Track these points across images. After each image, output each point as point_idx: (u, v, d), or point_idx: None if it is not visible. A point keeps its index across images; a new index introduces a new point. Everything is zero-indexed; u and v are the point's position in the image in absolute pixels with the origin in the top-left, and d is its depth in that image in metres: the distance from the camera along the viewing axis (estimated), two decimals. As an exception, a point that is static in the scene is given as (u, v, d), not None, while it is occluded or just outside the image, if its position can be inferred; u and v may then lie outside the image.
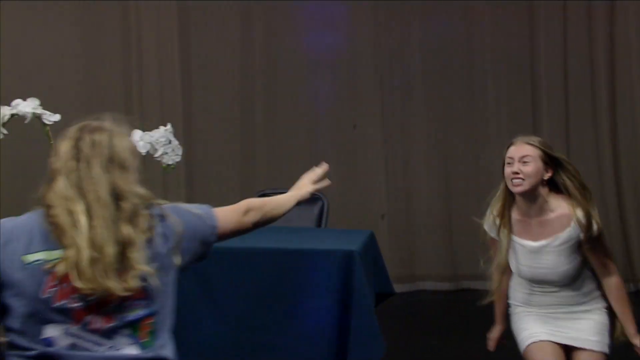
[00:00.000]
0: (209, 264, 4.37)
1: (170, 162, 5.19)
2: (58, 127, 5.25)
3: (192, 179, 7.54)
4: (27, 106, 5.09)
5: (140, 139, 5.09)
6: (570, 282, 3.82)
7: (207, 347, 4.48)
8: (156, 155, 5.14)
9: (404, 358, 5.63)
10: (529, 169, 3.58)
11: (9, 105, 5.06)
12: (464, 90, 7.87)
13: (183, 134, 7.29)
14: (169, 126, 5.20)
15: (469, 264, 7.64)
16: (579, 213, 3.61)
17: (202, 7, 7.59)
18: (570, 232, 3.69)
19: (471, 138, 7.88)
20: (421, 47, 7.78)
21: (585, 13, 7.78)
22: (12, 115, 5.06)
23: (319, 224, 5.76)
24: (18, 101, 5.09)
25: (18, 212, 6.61)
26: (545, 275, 3.82)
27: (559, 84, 7.84)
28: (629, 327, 3.83)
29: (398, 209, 7.72)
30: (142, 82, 7.54)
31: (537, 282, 3.91)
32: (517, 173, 3.63)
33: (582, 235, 3.68)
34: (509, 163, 3.75)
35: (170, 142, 5.16)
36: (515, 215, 3.93)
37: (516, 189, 3.66)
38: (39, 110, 5.13)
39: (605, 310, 3.91)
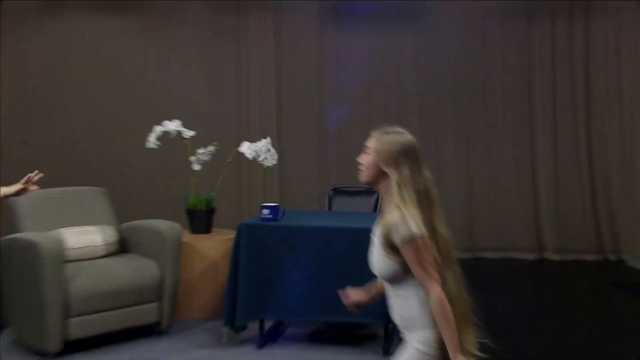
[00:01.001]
0: (298, 238, 4.54)
1: (269, 165, 5.37)
2: (192, 140, 5.50)
3: (284, 178, 7.57)
4: (172, 125, 5.42)
5: (248, 148, 5.28)
6: (394, 287, 2.65)
7: (296, 300, 4.57)
8: (259, 159, 5.32)
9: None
10: (364, 159, 2.68)
11: (159, 124, 5.41)
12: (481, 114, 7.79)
13: (277, 145, 7.35)
14: (268, 139, 5.38)
15: (484, 239, 7.71)
16: (389, 216, 2.57)
17: (290, 53, 7.62)
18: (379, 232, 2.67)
19: (486, 149, 7.76)
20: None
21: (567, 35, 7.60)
22: (163, 132, 5.39)
23: (375, 209, 5.82)
24: (166, 122, 5.41)
25: (165, 203, 6.61)
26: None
27: (550, 100, 7.66)
28: (451, 354, 2.47)
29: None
30: (249, 106, 7.57)
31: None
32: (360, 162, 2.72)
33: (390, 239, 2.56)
34: None
35: (269, 150, 5.34)
36: None
37: (359, 177, 2.75)
38: (181, 128, 5.43)
39: (418, 349, 2.52)
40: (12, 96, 7.19)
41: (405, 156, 2.65)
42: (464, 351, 2.51)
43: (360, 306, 3.13)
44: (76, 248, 4.85)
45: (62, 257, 4.47)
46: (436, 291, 2.44)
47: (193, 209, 5.56)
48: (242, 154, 5.44)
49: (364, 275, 4.38)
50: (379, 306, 4.38)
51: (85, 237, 4.95)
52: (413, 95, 7.74)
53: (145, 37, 7.43)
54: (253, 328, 4.77)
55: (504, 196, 7.69)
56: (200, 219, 5.56)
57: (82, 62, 7.32)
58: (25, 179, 4.79)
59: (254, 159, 5.42)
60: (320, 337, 4.92)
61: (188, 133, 5.51)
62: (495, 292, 5.72)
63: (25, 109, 7.24)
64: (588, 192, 7.63)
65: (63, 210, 5.10)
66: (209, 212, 5.59)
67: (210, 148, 5.59)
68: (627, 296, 6.21)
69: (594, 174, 7.63)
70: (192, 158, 5.57)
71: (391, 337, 4.55)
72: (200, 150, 5.56)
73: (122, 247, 5.22)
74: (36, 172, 4.83)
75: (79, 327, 4.54)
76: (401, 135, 2.67)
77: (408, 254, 2.47)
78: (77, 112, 7.30)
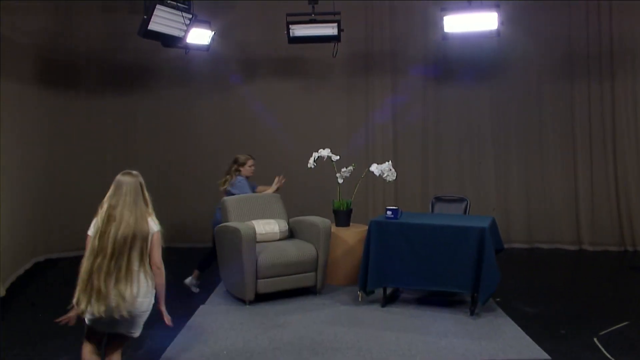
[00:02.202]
0: (411, 231, 4.54)
1: (390, 179, 5.41)
2: (337, 162, 5.58)
3: (397, 189, 7.42)
4: (324, 152, 5.48)
5: (376, 168, 5.34)
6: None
7: (409, 274, 4.57)
8: (383, 176, 5.37)
9: (507, 283, 5.41)
10: None
11: (316, 151, 5.46)
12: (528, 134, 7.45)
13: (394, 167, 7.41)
14: (389, 162, 5.42)
15: (538, 233, 7.38)
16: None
17: (403, 102, 7.52)
18: None
19: (541, 170, 7.37)
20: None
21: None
22: (318, 156, 5.48)
23: (465, 212, 5.71)
24: (320, 150, 5.48)
25: (319, 206, 6.67)
26: None
27: (587, 135, 7.25)
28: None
29: (500, 204, 7.42)
30: (375, 140, 7.51)
31: None
32: None
33: None
34: None
35: (390, 169, 5.38)
36: None
37: None
38: (329, 154, 5.51)
39: None
40: (221, 133, 7.50)
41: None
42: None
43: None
44: (263, 233, 4.99)
45: (254, 239, 4.63)
46: None
47: (338, 209, 5.65)
48: (370, 172, 5.50)
49: (457, 258, 4.40)
50: (468, 279, 4.37)
51: (268, 227, 5.06)
52: (489, 131, 7.49)
53: (306, 92, 7.55)
54: (379, 292, 4.80)
55: (554, 203, 7.37)
56: (343, 216, 5.63)
57: (265, 110, 7.50)
58: (276, 180, 5.12)
59: (379, 176, 5.48)
60: (425, 300, 4.90)
61: (334, 157, 5.63)
62: (547, 273, 5.47)
63: (230, 142, 7.44)
64: (614, 200, 7.19)
65: (255, 208, 5.26)
66: (349, 212, 5.65)
67: (350, 168, 5.69)
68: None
69: (619, 187, 7.19)
70: (337, 174, 5.69)
71: (476, 302, 4.46)
72: (343, 169, 5.67)
73: (291, 234, 5.33)
74: (282, 176, 5.18)
75: (264, 286, 4.70)
76: None
77: None
78: (265, 145, 7.38)
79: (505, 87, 7.44)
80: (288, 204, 5.66)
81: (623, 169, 7.21)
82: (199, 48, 6.31)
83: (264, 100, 7.50)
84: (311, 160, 5.52)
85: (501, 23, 5.75)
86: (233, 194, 5.28)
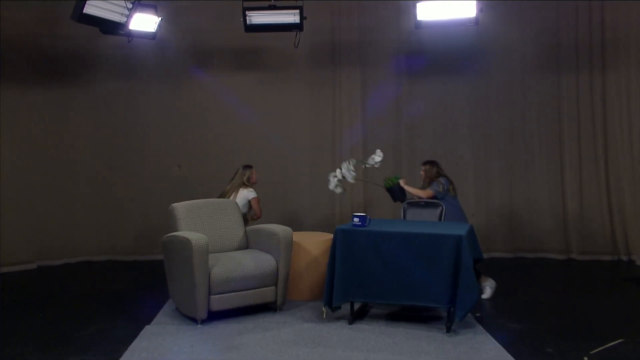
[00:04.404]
0: (382, 239, 4.55)
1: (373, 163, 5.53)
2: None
3: (367, 193, 7.47)
4: (344, 167, 5.41)
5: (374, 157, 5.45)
6: None
7: (378, 287, 4.57)
8: (340, 178, 5.36)
9: (488, 299, 5.54)
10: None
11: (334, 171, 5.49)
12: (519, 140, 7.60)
13: (361, 167, 7.42)
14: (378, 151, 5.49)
15: (522, 242, 7.49)
16: None
17: (373, 96, 7.60)
18: None
19: (525, 170, 7.51)
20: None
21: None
22: (337, 179, 5.43)
23: (440, 219, 5.76)
24: (338, 171, 5.43)
25: (276, 213, 6.48)
26: None
27: (575, 134, 7.40)
28: None
29: (480, 209, 7.53)
30: (342, 137, 7.57)
31: None
32: None
33: None
34: None
35: (349, 170, 5.36)
36: None
37: None
38: (374, 162, 5.52)
39: None
40: (171, 132, 7.49)
41: None
42: None
43: None
44: (215, 243, 4.98)
45: (206, 250, 4.55)
46: None
47: (391, 187, 5.67)
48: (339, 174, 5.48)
49: (432, 269, 4.42)
50: (444, 293, 4.40)
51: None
52: (467, 128, 7.61)
53: (266, 86, 7.55)
54: (345, 308, 4.79)
55: (539, 208, 7.47)
56: (398, 191, 5.64)
57: (220, 106, 7.49)
58: None
59: (335, 183, 5.43)
60: (396, 316, 4.89)
61: (349, 176, 5.42)
62: (532, 285, 5.57)
63: (181, 142, 7.50)
64: (605, 206, 7.33)
65: (208, 215, 5.22)
66: (399, 186, 5.65)
67: (348, 166, 5.47)
68: (636, 289, 5.96)
69: (610, 190, 7.32)
70: (332, 183, 5.46)
71: (453, 318, 4.49)
72: (343, 168, 5.46)
73: (248, 244, 5.31)
74: None
75: (218, 302, 4.64)
76: None
77: None
78: (216, 142, 7.48)
79: (485, 81, 7.55)
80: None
81: (615, 170, 7.31)
82: (143, 36, 6.22)
83: (219, 96, 7.47)
84: (332, 185, 5.43)
85: (480, 10, 5.83)
86: None
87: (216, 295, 4.65)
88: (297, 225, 6.19)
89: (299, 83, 7.60)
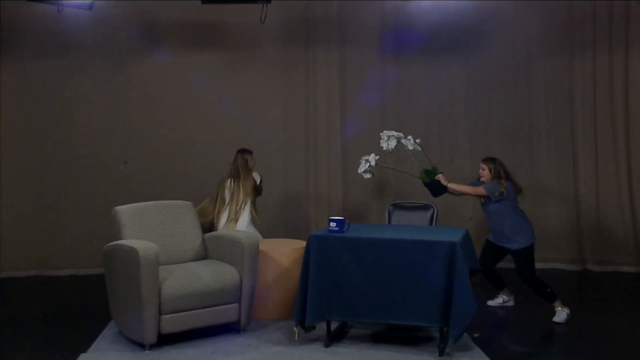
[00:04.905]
0: (362, 249, 4.58)
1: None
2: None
3: (346, 192, 7.55)
4: (372, 159, 5.41)
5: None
6: None
7: (360, 304, 4.58)
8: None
9: (486, 313, 5.60)
10: None
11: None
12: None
13: (341, 163, 7.47)
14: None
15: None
16: None
17: (353, 80, 7.65)
18: None
19: (531, 167, 7.61)
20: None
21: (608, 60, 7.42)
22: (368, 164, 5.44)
23: (431, 223, 5.82)
24: (369, 156, 5.45)
25: None
26: None
27: (591, 123, 7.50)
28: None
29: (479, 212, 7.52)
30: (317, 128, 7.60)
31: None
32: None
33: None
34: None
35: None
36: None
37: None
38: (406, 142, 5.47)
39: None
40: (114, 123, 7.43)
41: None
42: None
43: None
44: (167, 253, 4.96)
45: (156, 261, 4.53)
46: None
47: (430, 182, 5.58)
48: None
49: (421, 282, 4.47)
50: (435, 310, 4.45)
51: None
52: (463, 118, 7.68)
53: (228, 68, 7.53)
54: (321, 328, 4.77)
55: (548, 211, 7.53)
56: (436, 186, 5.57)
57: (173, 91, 7.48)
58: None
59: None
60: (381, 337, 4.88)
61: (409, 144, 5.48)
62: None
63: (126, 134, 7.45)
64: (627, 208, 7.40)
65: (158, 220, 5.20)
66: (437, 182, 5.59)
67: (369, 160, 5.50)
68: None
69: (633, 190, 7.40)
70: (362, 167, 5.50)
71: (446, 339, 4.52)
72: (365, 161, 5.49)
73: (206, 253, 5.30)
74: None
75: (170, 323, 4.61)
76: None
77: None
78: (169, 135, 7.45)
79: (486, 63, 7.61)
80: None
81: (638, 166, 7.37)
82: (78, 6, 6.14)
83: (172, 79, 7.46)
84: (363, 167, 5.47)
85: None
86: None
87: (168, 315, 4.62)
88: (264, 231, 6.20)
89: (267, 65, 7.59)
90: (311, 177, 7.49)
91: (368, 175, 5.53)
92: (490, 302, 5.81)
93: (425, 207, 5.77)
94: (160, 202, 5.41)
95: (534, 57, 7.59)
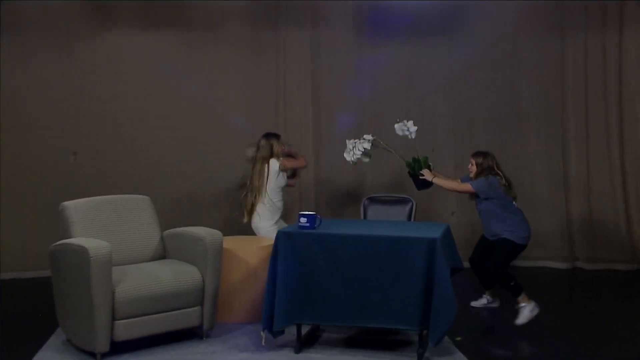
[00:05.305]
0: (335, 246, 4.57)
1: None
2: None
3: (319, 186, 7.58)
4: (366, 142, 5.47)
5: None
6: None
7: (332, 306, 4.58)
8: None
9: (468, 314, 5.62)
10: None
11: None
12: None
13: (313, 154, 7.44)
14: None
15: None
16: None
17: (326, 65, 7.60)
18: None
19: (518, 159, 7.61)
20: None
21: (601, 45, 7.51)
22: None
23: (409, 218, 5.82)
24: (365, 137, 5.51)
25: (200, 211, 6.43)
26: None
27: (582, 111, 7.58)
28: None
29: (463, 206, 7.59)
30: (286, 116, 7.58)
31: None
32: None
33: None
34: None
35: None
36: None
37: None
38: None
39: None
40: (63, 109, 7.33)
41: None
42: None
43: None
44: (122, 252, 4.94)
45: (109, 261, 4.49)
46: None
47: (414, 174, 5.57)
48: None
49: (399, 282, 4.46)
50: (414, 312, 4.44)
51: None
52: (445, 105, 7.71)
53: (188, 50, 7.49)
54: (291, 332, 4.77)
55: (536, 205, 7.53)
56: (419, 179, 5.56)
57: (128, 75, 7.42)
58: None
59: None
60: (355, 342, 4.89)
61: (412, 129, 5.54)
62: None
63: (76, 121, 7.34)
64: (621, 202, 7.49)
65: (111, 217, 5.16)
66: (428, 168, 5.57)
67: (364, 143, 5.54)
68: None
69: (627, 182, 7.50)
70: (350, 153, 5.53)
71: (426, 343, 4.53)
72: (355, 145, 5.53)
73: (165, 252, 5.28)
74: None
75: (125, 329, 4.57)
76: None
77: None
78: (124, 122, 7.39)
79: (469, 45, 7.64)
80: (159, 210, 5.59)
81: (634, 157, 7.43)
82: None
83: (126, 62, 7.39)
84: (351, 153, 5.49)
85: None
86: None
87: (122, 321, 4.57)
88: (230, 229, 6.16)
89: (233, 47, 7.55)
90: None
91: (366, 159, 5.57)
92: (473, 303, 5.83)
93: (404, 201, 5.77)
94: (114, 196, 5.37)
95: (521, 38, 7.64)
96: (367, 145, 5.45)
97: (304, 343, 4.80)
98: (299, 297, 4.61)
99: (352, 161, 5.54)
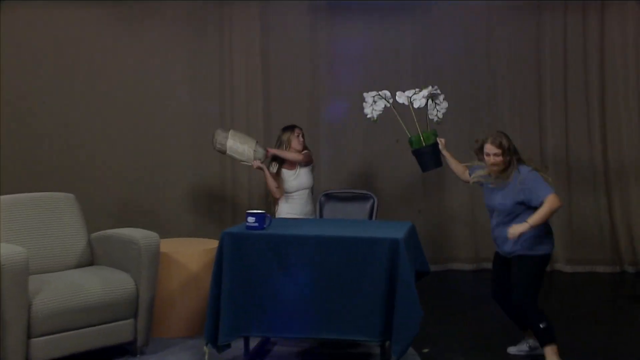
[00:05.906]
0: (287, 248, 4.52)
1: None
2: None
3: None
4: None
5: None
6: None
7: (284, 316, 4.55)
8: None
9: (436, 323, 5.58)
10: None
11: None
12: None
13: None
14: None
15: (487, 250, 7.60)
16: None
17: (278, 46, 7.62)
18: None
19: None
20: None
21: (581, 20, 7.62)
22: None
23: (370, 216, 5.81)
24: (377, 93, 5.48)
25: (136, 210, 6.40)
26: None
27: (561, 102, 7.68)
28: None
29: (431, 203, 7.64)
30: (233, 101, 7.57)
31: None
32: None
33: None
34: None
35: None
36: None
37: None
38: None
39: None
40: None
41: None
42: None
43: None
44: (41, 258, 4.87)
45: (25, 269, 4.38)
46: None
47: (420, 148, 5.36)
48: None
49: (358, 288, 4.43)
50: (375, 321, 4.42)
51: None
52: (413, 83, 7.59)
53: (124, 26, 7.44)
54: (237, 347, 4.75)
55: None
56: (429, 155, 5.36)
57: (51, 52, 7.35)
58: None
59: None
60: (311, 355, 4.92)
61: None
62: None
63: (23, 114, 7.28)
64: (603, 197, 7.60)
65: (30, 218, 5.08)
66: (435, 147, 5.33)
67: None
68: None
69: (609, 177, 7.61)
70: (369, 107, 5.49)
71: (388, 356, 4.53)
72: None
73: (93, 258, 5.22)
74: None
75: (44, 348, 4.47)
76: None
77: None
78: (45, 108, 7.32)
79: (437, 22, 7.71)
80: (89, 209, 5.57)
81: (617, 148, 7.54)
82: None
83: (46, 37, 7.34)
84: (371, 108, 5.46)
85: None
86: None
87: (40, 338, 4.47)
88: (167, 231, 6.09)
89: (172, 22, 7.52)
90: (227, 160, 7.37)
91: (374, 118, 5.53)
92: (511, 350, 5.03)
93: (364, 198, 5.77)
94: (34, 194, 5.28)
95: (495, 16, 7.72)
96: (387, 104, 5.44)
97: (252, 358, 4.80)
98: (247, 306, 4.57)
99: (373, 118, 5.49)
